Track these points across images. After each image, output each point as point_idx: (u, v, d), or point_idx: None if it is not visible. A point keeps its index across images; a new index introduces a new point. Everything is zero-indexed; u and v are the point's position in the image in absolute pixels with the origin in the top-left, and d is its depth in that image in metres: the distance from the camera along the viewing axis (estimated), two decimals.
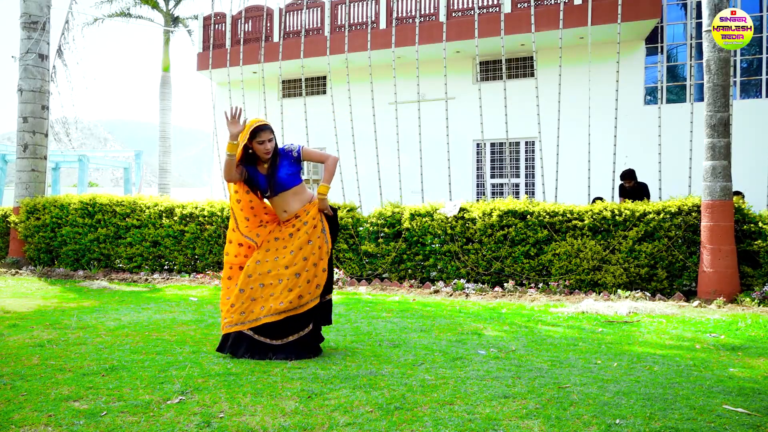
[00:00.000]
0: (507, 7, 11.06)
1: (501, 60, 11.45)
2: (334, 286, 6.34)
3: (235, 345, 3.57)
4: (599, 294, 6.37)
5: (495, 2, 11.29)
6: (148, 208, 8.37)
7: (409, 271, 7.33)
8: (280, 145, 3.75)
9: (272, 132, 3.62)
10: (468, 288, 6.76)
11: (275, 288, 3.56)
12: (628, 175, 8.27)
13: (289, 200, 3.71)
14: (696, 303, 5.88)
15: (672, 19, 11.27)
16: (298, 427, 2.38)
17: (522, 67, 12.09)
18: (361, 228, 7.53)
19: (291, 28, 13.02)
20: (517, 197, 7.82)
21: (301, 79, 13.28)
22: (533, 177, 11.85)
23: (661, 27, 11.21)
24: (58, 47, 10.05)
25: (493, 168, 12.23)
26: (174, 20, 19.98)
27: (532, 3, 9.50)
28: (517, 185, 12.00)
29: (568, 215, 6.70)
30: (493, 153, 12.20)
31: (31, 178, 9.32)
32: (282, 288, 3.55)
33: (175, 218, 8.17)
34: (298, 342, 3.57)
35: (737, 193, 7.25)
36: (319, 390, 2.88)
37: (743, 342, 4.15)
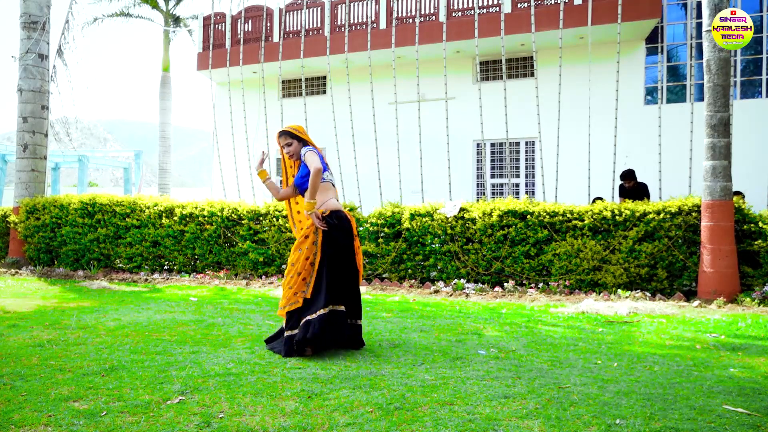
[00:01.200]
0: (507, 7, 11.04)
1: (501, 60, 11.45)
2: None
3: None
4: (599, 294, 6.37)
5: (495, 2, 11.28)
6: (148, 208, 8.37)
7: (409, 271, 7.33)
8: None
9: (289, 137, 3.78)
10: (468, 288, 6.76)
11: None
12: (628, 175, 8.27)
13: (302, 202, 3.82)
14: (696, 303, 5.88)
15: (672, 19, 11.26)
16: (298, 427, 2.38)
17: (522, 67, 12.08)
18: (361, 228, 7.53)
19: (291, 28, 13.01)
20: (517, 197, 7.82)
21: (301, 79, 13.28)
22: (533, 177, 11.84)
23: (661, 27, 11.20)
24: (58, 47, 10.04)
25: (493, 168, 12.23)
26: (174, 20, 19.97)
27: (532, 3, 9.49)
28: (517, 185, 11.99)
29: (568, 215, 6.70)
30: (493, 153, 12.19)
31: (31, 178, 9.32)
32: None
33: (175, 218, 8.16)
34: (287, 338, 3.70)
35: (737, 193, 7.25)
36: (319, 390, 2.88)
37: (743, 342, 4.15)
